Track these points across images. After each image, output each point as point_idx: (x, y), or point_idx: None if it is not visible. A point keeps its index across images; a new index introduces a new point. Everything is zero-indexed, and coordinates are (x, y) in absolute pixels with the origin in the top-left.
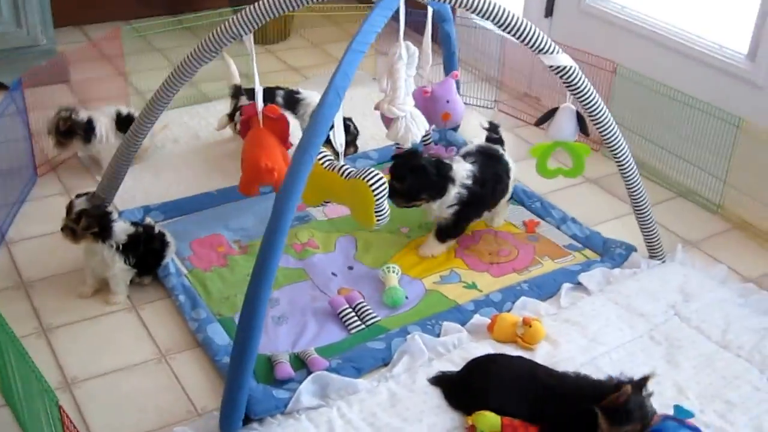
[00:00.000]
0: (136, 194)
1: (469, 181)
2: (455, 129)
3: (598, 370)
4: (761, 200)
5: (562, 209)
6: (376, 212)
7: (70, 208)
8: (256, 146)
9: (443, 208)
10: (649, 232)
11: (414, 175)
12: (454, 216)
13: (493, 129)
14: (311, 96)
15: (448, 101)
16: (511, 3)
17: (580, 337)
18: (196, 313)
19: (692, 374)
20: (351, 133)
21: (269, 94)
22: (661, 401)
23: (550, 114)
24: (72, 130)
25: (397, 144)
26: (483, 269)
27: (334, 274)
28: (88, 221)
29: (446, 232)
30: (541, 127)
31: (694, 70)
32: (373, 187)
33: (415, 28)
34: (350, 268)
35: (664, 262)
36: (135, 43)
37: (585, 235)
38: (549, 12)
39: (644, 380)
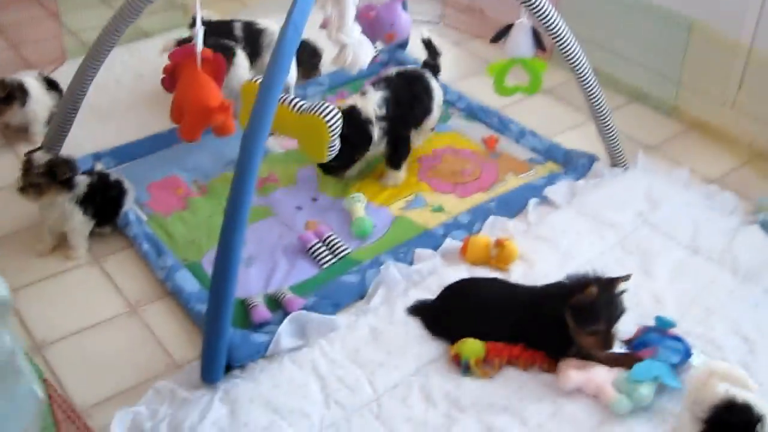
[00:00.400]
0: (83, 142)
1: (383, 111)
2: (403, 47)
3: None
4: (715, 99)
5: (520, 123)
6: (329, 146)
7: (29, 163)
8: (199, 87)
9: (376, 147)
10: (610, 139)
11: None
12: (388, 145)
13: (428, 47)
14: (272, 26)
15: (392, 24)
16: None
17: (553, 253)
18: (162, 260)
19: (667, 282)
20: (318, 55)
21: (226, 27)
22: (641, 312)
23: (506, 31)
24: (11, 95)
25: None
26: (448, 191)
27: (298, 207)
28: (64, 170)
29: (394, 159)
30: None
31: None
32: (329, 122)
33: None
34: (314, 199)
35: (626, 169)
36: None
37: (545, 147)
38: None
39: (614, 280)
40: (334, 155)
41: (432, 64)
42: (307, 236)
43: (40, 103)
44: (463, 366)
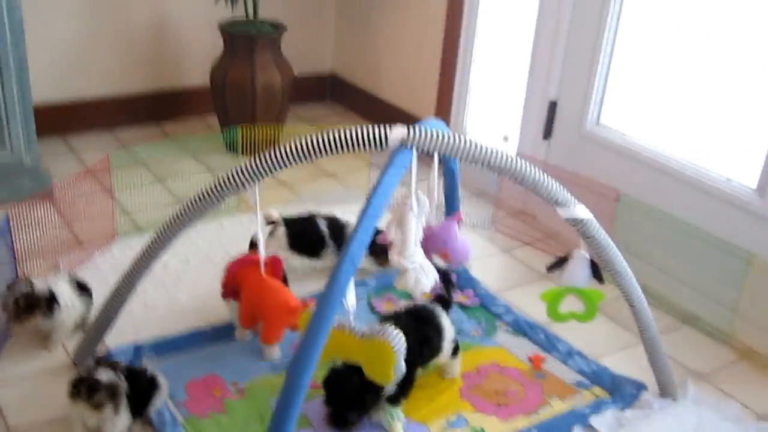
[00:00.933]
0: (124, 326)
1: None
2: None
3: None
4: None
5: (567, 341)
6: (395, 369)
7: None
8: (274, 290)
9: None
10: (660, 368)
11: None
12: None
13: (444, 280)
14: (353, 220)
15: (445, 242)
16: (507, 121)
17: None
18: None
19: None
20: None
21: (309, 223)
22: None
23: (562, 261)
24: (33, 305)
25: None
26: (491, 412)
27: None
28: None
29: (395, 398)
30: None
31: (701, 202)
32: (396, 347)
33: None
34: None
35: (675, 400)
36: (120, 158)
37: (592, 371)
38: (548, 133)
39: None
40: (400, 376)
41: (445, 299)
42: None
43: (69, 310)
44: None
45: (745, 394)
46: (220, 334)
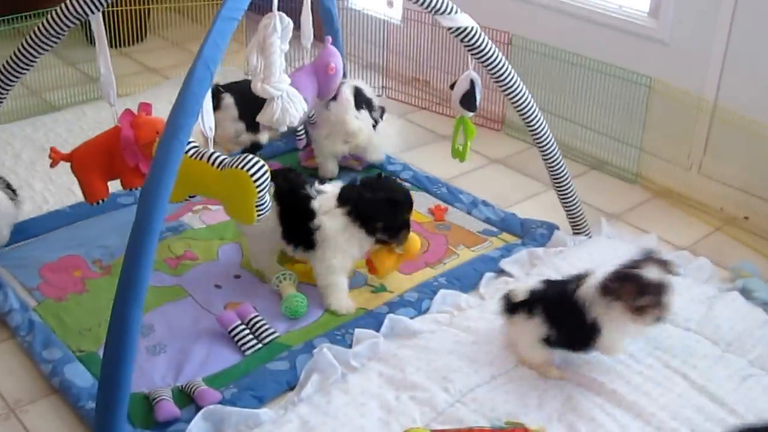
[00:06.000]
0: None
1: None
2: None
3: None
4: (680, 164)
5: (471, 193)
6: (257, 205)
7: None
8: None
9: None
10: (571, 206)
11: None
12: None
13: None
14: None
15: (328, 61)
16: None
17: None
18: (48, 353)
19: (645, 355)
20: (376, 109)
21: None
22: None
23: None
24: None
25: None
26: None
27: (218, 286)
28: None
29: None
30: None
31: (596, 33)
32: (254, 176)
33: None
34: (237, 276)
35: (590, 237)
36: None
37: (500, 218)
38: None
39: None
40: (265, 215)
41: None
42: (227, 317)
43: (6, 218)
44: None
45: (660, 229)
46: (81, 213)
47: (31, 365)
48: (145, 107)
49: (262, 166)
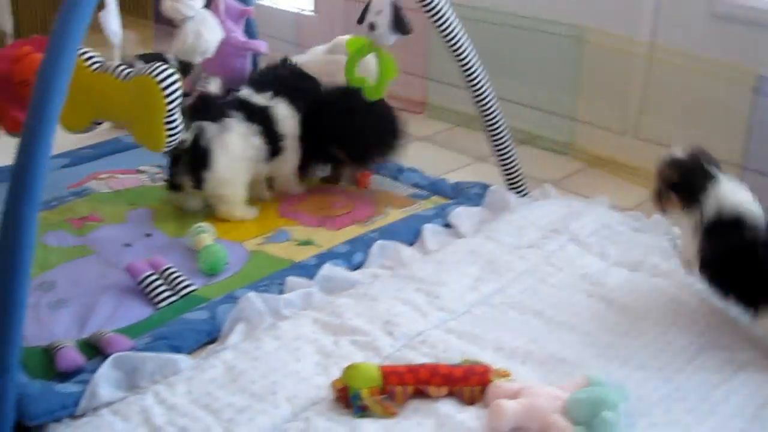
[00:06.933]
0: None
1: None
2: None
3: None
4: (614, 130)
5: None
6: (166, 123)
7: None
8: None
9: None
10: (510, 168)
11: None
12: None
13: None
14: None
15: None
16: None
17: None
18: None
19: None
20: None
21: None
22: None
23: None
24: None
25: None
26: (316, 225)
27: (127, 244)
28: None
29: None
30: None
31: None
32: (163, 83)
33: None
34: (148, 235)
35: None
36: None
37: (429, 183)
38: None
39: None
40: (177, 138)
41: None
42: (138, 266)
43: None
44: (354, 404)
45: (599, 194)
46: None
47: None
48: (40, 42)
49: (173, 74)
